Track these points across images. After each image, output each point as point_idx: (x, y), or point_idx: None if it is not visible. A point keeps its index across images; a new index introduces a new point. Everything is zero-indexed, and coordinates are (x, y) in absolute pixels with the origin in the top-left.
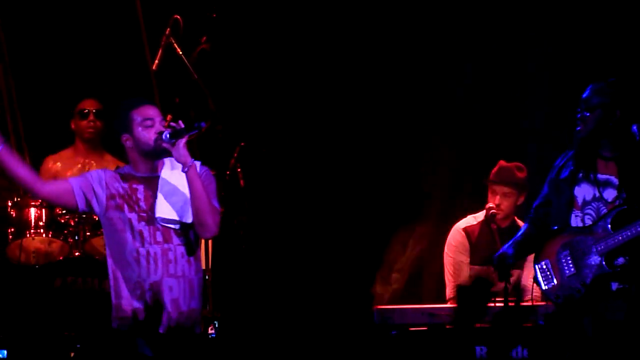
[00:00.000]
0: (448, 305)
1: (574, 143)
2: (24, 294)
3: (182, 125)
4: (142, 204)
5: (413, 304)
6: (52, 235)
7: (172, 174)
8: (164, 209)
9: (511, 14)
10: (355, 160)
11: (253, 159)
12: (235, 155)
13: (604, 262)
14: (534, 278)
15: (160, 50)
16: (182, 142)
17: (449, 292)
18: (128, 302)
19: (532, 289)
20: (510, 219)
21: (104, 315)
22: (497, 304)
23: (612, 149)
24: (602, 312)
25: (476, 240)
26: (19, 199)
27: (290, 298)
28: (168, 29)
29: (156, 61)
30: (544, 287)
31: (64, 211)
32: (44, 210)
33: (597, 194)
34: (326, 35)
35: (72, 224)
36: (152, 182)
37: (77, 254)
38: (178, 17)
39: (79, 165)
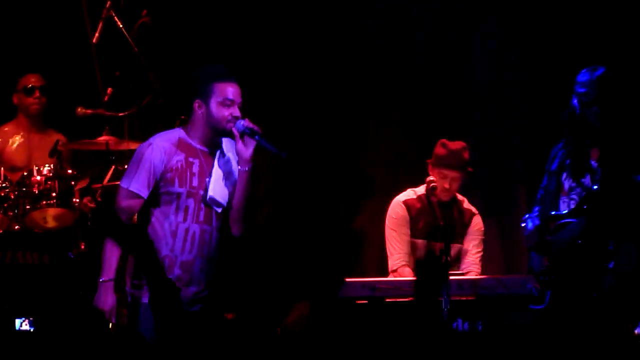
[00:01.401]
0: (389, 278)
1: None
2: None
3: (260, 131)
4: (195, 180)
5: (355, 277)
6: None
7: (230, 156)
8: (217, 189)
9: None
10: (296, 136)
11: None
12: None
13: (579, 242)
14: (528, 264)
15: (100, 23)
16: (252, 142)
17: (391, 264)
18: None
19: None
20: (453, 194)
21: (44, 289)
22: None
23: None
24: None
25: (416, 213)
26: None
27: (250, 281)
28: (109, 2)
29: (96, 34)
30: (536, 270)
31: (3, 184)
32: None
33: (580, 174)
34: (266, 9)
35: (12, 197)
36: (209, 157)
37: (16, 227)
38: None
39: (22, 139)
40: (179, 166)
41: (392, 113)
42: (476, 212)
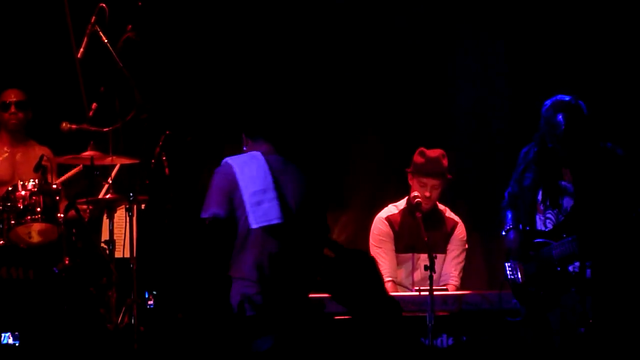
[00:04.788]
0: None
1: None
2: None
3: None
4: None
5: None
6: None
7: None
8: None
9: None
10: (281, 150)
11: (178, 147)
12: (160, 143)
13: (558, 268)
14: (504, 276)
15: (85, 39)
16: None
17: None
18: None
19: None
20: (434, 202)
21: (29, 303)
22: (422, 293)
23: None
24: (565, 312)
25: (399, 228)
26: None
27: (215, 286)
28: (93, 17)
29: (81, 49)
30: (511, 285)
31: None
32: None
33: (556, 200)
34: (250, 22)
35: None
36: None
37: (1, 242)
38: (104, 5)
39: (6, 154)
40: None
41: (373, 129)
42: (459, 220)
